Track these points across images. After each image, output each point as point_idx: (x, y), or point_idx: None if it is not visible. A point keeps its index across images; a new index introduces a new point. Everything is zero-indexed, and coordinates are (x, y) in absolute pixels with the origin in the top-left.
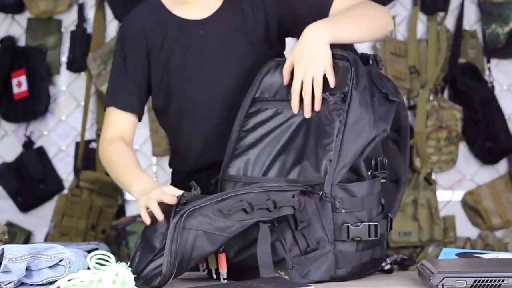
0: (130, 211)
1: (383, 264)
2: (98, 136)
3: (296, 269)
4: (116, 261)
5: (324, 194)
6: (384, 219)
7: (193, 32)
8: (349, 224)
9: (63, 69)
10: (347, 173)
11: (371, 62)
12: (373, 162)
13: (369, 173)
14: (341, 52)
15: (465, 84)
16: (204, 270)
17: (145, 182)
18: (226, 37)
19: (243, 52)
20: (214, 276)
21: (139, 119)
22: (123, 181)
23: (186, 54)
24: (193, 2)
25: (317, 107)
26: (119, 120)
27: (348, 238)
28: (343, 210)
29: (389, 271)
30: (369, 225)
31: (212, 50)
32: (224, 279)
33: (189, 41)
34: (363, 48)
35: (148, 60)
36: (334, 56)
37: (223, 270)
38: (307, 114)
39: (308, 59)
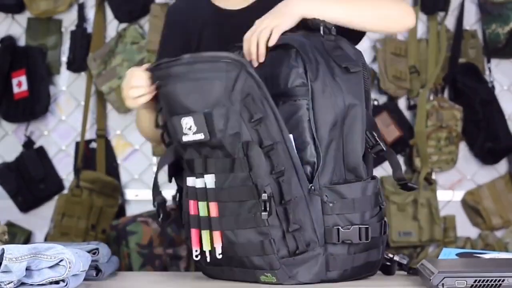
0: (130, 211)
1: (395, 257)
2: (99, 136)
3: (284, 270)
4: (117, 261)
5: (313, 187)
6: (378, 221)
7: (226, 21)
8: (340, 227)
9: (63, 69)
10: (345, 174)
11: (322, 32)
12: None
13: (368, 175)
14: (286, 38)
15: (465, 84)
16: (197, 256)
17: None
18: None
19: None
20: (208, 259)
21: None
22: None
23: (216, 41)
24: None
25: (261, 58)
26: None
27: (339, 240)
28: (330, 204)
29: (389, 273)
30: (359, 227)
31: (240, 40)
32: (219, 254)
33: (221, 30)
34: (363, 47)
35: (188, 45)
36: (278, 47)
37: (218, 245)
38: (254, 63)
39: (269, 18)
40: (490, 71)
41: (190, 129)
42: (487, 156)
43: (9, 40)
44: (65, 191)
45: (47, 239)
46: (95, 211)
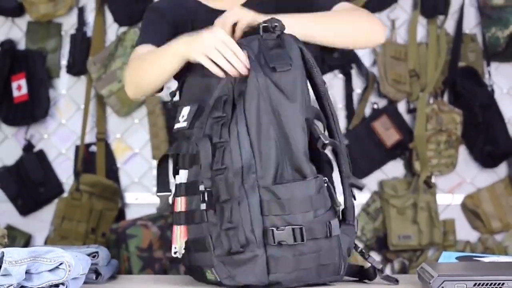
0: (130, 215)
1: (369, 259)
2: (98, 139)
3: (222, 268)
4: (117, 264)
5: (252, 188)
6: (325, 223)
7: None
8: (275, 228)
9: (63, 72)
10: (292, 174)
11: (261, 32)
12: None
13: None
14: None
15: (465, 87)
16: (175, 253)
17: (183, 37)
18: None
19: None
20: (180, 256)
21: None
22: (156, 57)
23: None
24: None
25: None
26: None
27: (274, 242)
28: (267, 205)
29: (367, 278)
30: (293, 228)
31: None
32: (175, 254)
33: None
34: (363, 51)
35: (175, 33)
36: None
37: (183, 240)
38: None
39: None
40: (489, 74)
41: (183, 117)
42: (486, 160)
43: (9, 44)
44: (65, 195)
45: (47, 242)
46: (95, 214)
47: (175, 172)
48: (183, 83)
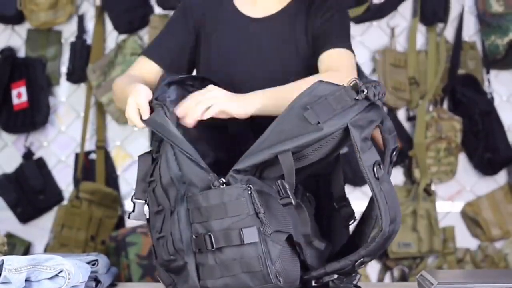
0: (129, 222)
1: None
2: (98, 147)
3: (165, 275)
4: (116, 272)
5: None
6: (244, 229)
7: (245, 26)
8: (194, 236)
9: (63, 80)
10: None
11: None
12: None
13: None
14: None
15: (465, 95)
16: None
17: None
18: (277, 42)
19: (288, 60)
20: None
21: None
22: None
23: (234, 46)
24: (258, 2)
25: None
26: (143, 66)
27: (195, 249)
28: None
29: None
30: (204, 235)
31: (259, 50)
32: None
33: (241, 35)
34: (362, 59)
35: (196, 31)
36: None
37: None
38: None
39: (228, 97)
40: (489, 82)
41: None
42: (486, 167)
43: (9, 51)
44: (65, 202)
45: (46, 250)
46: (94, 222)
47: None
48: None
